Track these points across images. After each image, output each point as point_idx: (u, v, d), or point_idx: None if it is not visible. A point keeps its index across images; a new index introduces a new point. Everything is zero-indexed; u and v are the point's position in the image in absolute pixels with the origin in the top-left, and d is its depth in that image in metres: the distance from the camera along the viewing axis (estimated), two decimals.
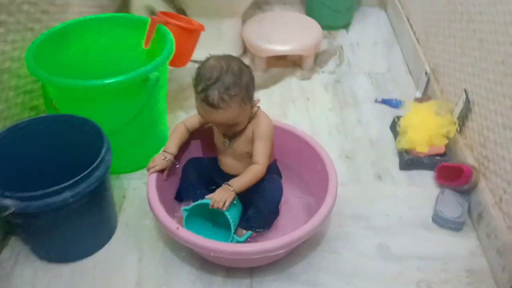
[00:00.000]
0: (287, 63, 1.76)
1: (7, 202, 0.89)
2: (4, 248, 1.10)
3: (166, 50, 1.15)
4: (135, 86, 1.09)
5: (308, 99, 1.59)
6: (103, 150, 0.98)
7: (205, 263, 1.07)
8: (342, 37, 1.94)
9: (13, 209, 0.89)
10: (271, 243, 0.94)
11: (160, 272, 1.06)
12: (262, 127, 1.05)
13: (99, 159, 0.96)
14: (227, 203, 0.98)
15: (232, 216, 1.02)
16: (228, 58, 0.98)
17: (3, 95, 1.11)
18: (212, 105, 0.95)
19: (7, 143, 1.02)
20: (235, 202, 1.02)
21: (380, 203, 1.23)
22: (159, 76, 1.12)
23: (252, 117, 1.06)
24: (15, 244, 1.11)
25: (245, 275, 1.05)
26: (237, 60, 0.99)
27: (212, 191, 1.02)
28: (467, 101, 1.25)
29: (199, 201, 1.02)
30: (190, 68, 1.67)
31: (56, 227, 0.98)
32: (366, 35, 1.95)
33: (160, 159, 1.08)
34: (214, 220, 1.10)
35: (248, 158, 1.07)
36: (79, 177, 0.92)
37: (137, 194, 1.24)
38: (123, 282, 1.04)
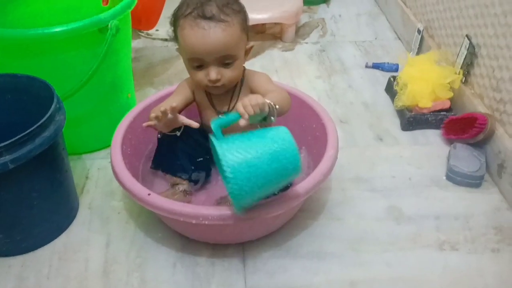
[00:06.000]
0: (266, 36, 1.62)
1: None
2: None
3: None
4: (91, 36, 0.92)
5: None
6: (52, 106, 0.80)
7: (187, 242, 0.89)
8: (322, 11, 1.81)
9: None
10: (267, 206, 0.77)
11: (132, 257, 0.87)
12: (260, 79, 0.92)
13: (47, 116, 0.78)
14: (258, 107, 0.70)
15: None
16: None
17: None
18: (211, 18, 0.79)
19: None
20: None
21: (384, 164, 1.07)
22: (120, 27, 0.95)
23: (242, 78, 0.92)
24: None
25: (235, 253, 0.87)
26: None
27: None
28: (471, 46, 1.11)
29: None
30: (158, 47, 1.55)
31: None
32: (348, 8, 1.83)
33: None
34: None
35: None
36: (19, 136, 0.74)
37: (102, 174, 1.05)
38: (86, 271, 0.85)
